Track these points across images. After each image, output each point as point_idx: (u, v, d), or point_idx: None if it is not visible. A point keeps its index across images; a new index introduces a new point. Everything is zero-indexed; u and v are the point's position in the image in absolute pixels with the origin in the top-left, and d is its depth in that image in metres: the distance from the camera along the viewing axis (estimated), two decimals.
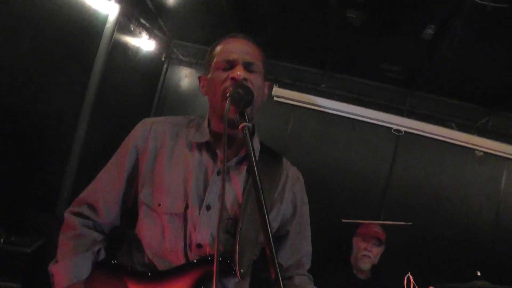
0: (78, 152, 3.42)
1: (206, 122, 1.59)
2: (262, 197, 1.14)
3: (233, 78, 1.44)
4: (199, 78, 1.63)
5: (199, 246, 1.47)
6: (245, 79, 1.44)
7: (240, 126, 1.27)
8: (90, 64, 3.50)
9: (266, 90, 1.62)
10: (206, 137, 1.55)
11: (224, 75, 1.47)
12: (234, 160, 1.54)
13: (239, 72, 1.44)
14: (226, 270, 1.43)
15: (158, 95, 4.96)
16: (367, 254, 3.40)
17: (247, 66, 1.49)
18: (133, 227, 1.60)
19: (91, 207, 1.58)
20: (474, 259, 4.18)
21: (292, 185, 1.66)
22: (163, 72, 4.99)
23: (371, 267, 3.45)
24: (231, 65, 1.48)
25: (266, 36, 4.20)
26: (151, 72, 4.82)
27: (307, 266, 1.72)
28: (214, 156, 1.54)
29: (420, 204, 4.47)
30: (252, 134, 1.62)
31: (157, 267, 1.50)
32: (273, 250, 1.07)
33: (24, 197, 3.06)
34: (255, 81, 1.48)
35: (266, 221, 1.11)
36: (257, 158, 1.48)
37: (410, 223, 3.91)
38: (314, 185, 4.54)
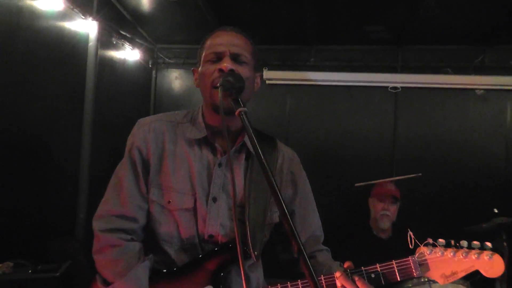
0: (86, 172, 3.51)
1: (200, 116, 1.63)
2: (271, 176, 1.16)
3: (220, 70, 1.47)
4: (193, 70, 1.67)
5: (211, 237, 1.53)
6: (232, 70, 1.47)
7: (236, 112, 1.28)
8: (82, 85, 3.56)
9: (258, 81, 1.65)
10: (202, 132, 1.59)
11: (212, 67, 1.50)
12: (232, 150, 1.58)
13: (225, 64, 1.47)
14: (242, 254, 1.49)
15: (153, 101, 5.02)
16: (385, 213, 3.46)
17: (235, 58, 1.51)
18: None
19: (123, 217, 1.56)
20: (490, 197, 4.21)
21: (289, 165, 1.70)
22: (153, 78, 5.04)
23: (391, 225, 3.50)
24: (219, 57, 1.51)
25: (246, 24, 4.17)
26: (141, 80, 4.86)
27: (322, 239, 1.76)
28: (213, 150, 1.59)
29: (429, 154, 4.51)
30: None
31: (176, 262, 1.55)
32: (291, 223, 1.10)
33: (43, 226, 3.13)
34: (243, 72, 1.50)
35: (279, 198, 1.13)
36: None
37: (420, 174, 3.94)
38: (323, 158, 4.61)
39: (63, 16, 3.32)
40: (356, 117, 4.72)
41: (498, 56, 4.45)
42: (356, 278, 1.34)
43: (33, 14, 3.02)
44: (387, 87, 4.58)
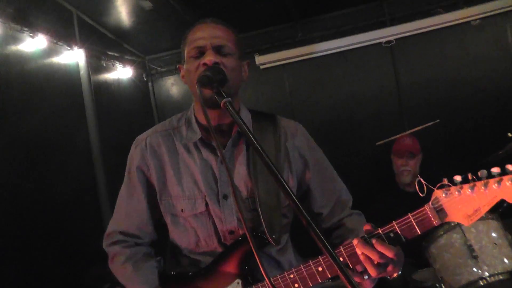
0: (106, 197, 3.58)
1: (193, 117, 1.61)
2: (265, 157, 1.15)
3: (205, 64, 1.44)
4: (178, 67, 1.64)
5: (231, 232, 1.54)
6: (216, 63, 1.43)
7: (221, 104, 1.28)
8: (82, 113, 3.62)
9: (245, 69, 1.61)
10: (197, 134, 1.57)
11: (196, 62, 1.47)
12: (230, 143, 1.56)
13: (209, 57, 1.44)
14: (261, 242, 1.50)
15: (155, 112, 5.07)
16: (405, 169, 3.45)
17: (218, 50, 1.48)
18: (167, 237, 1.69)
19: (125, 233, 1.66)
20: (504, 124, 4.12)
21: (293, 140, 1.65)
22: (150, 90, 5.09)
23: (416, 178, 3.48)
24: (201, 51, 1.48)
25: (226, 15, 4.17)
26: (140, 95, 4.91)
27: (350, 202, 1.70)
28: (212, 149, 1.57)
29: (437, 97, 4.46)
30: (238, 108, 1.62)
31: (202, 263, 1.58)
32: (296, 201, 1.10)
33: (77, 257, 3.22)
34: (228, 63, 1.47)
35: (279, 178, 1.13)
36: (250, 128, 1.55)
37: (438, 120, 3.90)
38: (334, 126, 4.62)
39: (50, 52, 3.37)
40: (357, 79, 4.70)
41: None
42: (374, 241, 1.25)
43: (21, 58, 3.08)
44: (380, 43, 4.53)
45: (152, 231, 1.68)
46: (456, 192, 1.20)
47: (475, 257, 2.48)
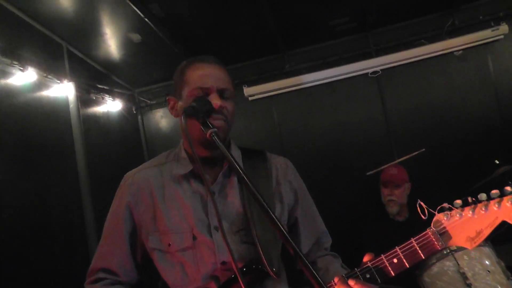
0: (94, 233, 3.48)
1: (183, 152, 1.60)
2: (253, 189, 1.19)
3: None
4: (168, 99, 1.60)
5: (224, 263, 1.49)
6: (221, 107, 1.43)
7: (207, 134, 1.30)
8: (71, 147, 3.59)
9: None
10: (188, 167, 1.56)
11: None
12: (221, 175, 1.55)
13: (216, 101, 1.43)
14: (260, 275, 1.47)
15: (145, 145, 5.06)
16: (390, 199, 3.45)
17: (222, 93, 1.48)
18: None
19: (106, 271, 1.61)
20: (489, 151, 4.18)
21: (284, 175, 1.66)
22: (140, 123, 5.08)
23: (406, 207, 3.48)
24: (205, 92, 1.46)
25: (214, 49, 4.27)
26: (129, 128, 4.90)
27: (328, 244, 1.72)
28: (202, 181, 1.54)
29: (424, 125, 4.55)
30: (228, 146, 1.64)
31: None
32: (284, 231, 1.13)
33: None
34: (230, 107, 1.49)
35: (268, 211, 1.16)
36: (239, 162, 1.56)
37: (423, 149, 3.95)
38: (323, 157, 4.65)
39: (39, 85, 3.36)
40: (345, 109, 4.76)
41: (466, 15, 4.49)
42: (351, 281, 1.28)
43: (10, 93, 3.06)
44: (367, 73, 4.62)
45: (133, 270, 1.64)
46: (457, 215, 1.22)
47: (469, 285, 2.47)
